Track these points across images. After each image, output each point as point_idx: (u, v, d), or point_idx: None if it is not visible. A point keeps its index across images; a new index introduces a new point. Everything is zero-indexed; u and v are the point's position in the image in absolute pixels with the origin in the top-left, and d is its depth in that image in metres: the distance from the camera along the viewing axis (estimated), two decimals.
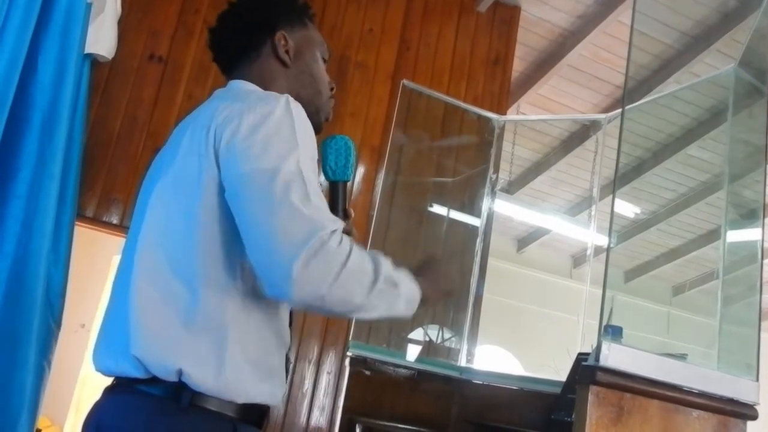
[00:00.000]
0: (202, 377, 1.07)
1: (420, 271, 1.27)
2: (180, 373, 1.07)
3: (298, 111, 1.17)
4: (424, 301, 1.22)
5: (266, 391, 1.16)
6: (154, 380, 1.08)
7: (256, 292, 1.15)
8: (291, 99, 1.17)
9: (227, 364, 1.09)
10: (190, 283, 1.10)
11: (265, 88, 1.30)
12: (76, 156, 2.33)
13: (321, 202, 1.10)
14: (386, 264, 1.14)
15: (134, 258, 1.14)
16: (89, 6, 2.25)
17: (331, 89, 1.42)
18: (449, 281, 1.34)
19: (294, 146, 1.11)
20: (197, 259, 1.11)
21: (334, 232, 1.05)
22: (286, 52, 1.35)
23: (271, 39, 1.35)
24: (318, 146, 1.25)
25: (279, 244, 1.04)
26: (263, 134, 1.11)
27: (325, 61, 1.43)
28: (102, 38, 2.59)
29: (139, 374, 1.08)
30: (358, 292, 1.08)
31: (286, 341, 1.25)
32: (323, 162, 1.33)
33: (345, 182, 1.35)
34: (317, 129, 1.33)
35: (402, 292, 1.15)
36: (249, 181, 1.08)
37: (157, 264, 1.12)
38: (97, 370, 1.18)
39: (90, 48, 2.43)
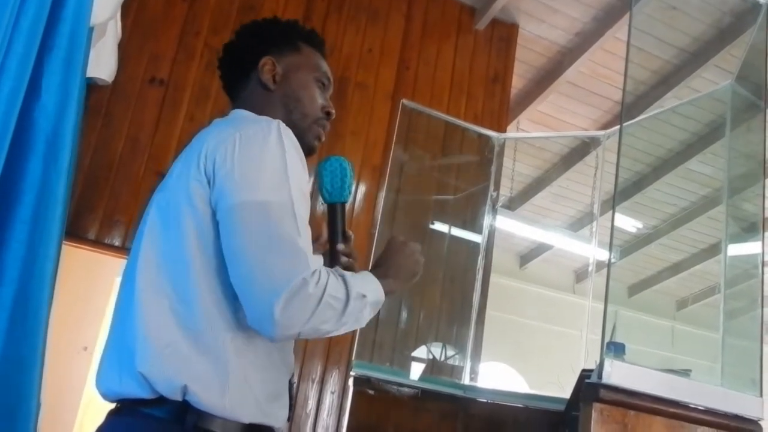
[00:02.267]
0: (207, 395, 1.08)
1: (383, 260, 1.29)
2: (185, 390, 1.07)
3: (289, 139, 1.17)
4: (391, 293, 1.24)
5: (271, 411, 1.16)
6: (158, 401, 1.08)
7: None
8: (282, 126, 1.17)
9: (232, 383, 1.10)
10: (191, 304, 1.11)
11: (257, 113, 1.31)
12: (70, 176, 2.33)
13: (307, 241, 1.11)
14: (355, 280, 1.15)
15: (136, 279, 1.14)
16: (91, 30, 2.27)
17: (327, 114, 1.40)
18: (414, 262, 1.32)
19: (285, 179, 1.12)
20: (194, 281, 1.12)
21: (314, 272, 1.07)
22: (273, 77, 1.35)
23: (257, 64, 1.36)
24: (314, 168, 1.25)
25: (262, 282, 1.06)
26: (256, 164, 1.12)
27: (324, 85, 1.41)
28: (103, 62, 2.61)
29: (144, 394, 1.08)
30: (331, 321, 1.10)
31: (291, 363, 1.26)
32: (319, 184, 1.33)
33: (343, 204, 1.35)
34: (309, 152, 1.32)
35: (369, 302, 1.16)
36: (239, 213, 1.09)
37: (160, 285, 1.13)
38: (101, 394, 1.18)
39: (91, 72, 2.45)
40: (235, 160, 1.12)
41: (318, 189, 1.34)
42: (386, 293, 1.21)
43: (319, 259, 1.33)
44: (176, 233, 1.14)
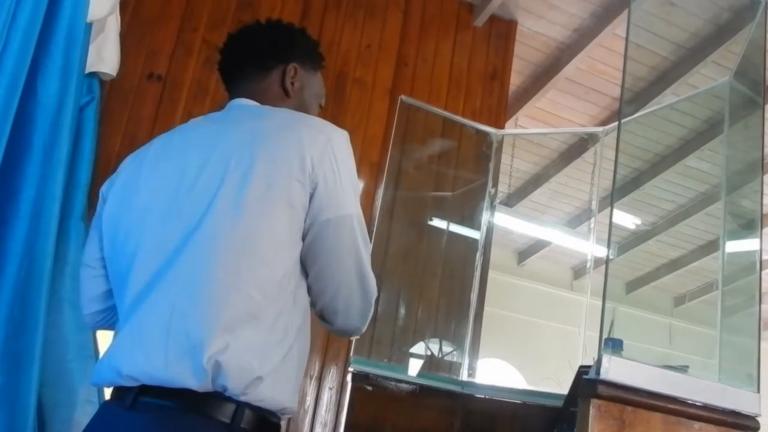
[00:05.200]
0: (271, 387, 1.11)
1: None
2: (252, 383, 1.08)
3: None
4: None
5: (294, 400, 1.20)
6: (204, 396, 1.07)
7: (307, 307, 1.25)
8: (347, 136, 1.27)
9: (290, 371, 1.17)
10: (270, 295, 1.14)
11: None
12: (86, 173, 2.29)
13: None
14: None
15: (212, 265, 1.12)
16: (89, 26, 2.26)
17: None
18: None
19: (357, 189, 1.28)
20: (277, 271, 1.15)
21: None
22: (292, 83, 1.42)
23: (284, 67, 1.42)
24: None
25: (362, 297, 1.25)
26: (350, 177, 1.24)
27: (321, 108, 1.51)
28: (106, 56, 2.59)
29: (195, 384, 1.06)
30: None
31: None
32: None
33: None
34: None
35: None
36: (336, 226, 1.20)
37: (240, 273, 1.12)
38: (125, 375, 1.11)
39: (93, 67, 2.44)
40: (342, 173, 1.21)
41: None
42: None
43: None
44: (269, 227, 1.15)
